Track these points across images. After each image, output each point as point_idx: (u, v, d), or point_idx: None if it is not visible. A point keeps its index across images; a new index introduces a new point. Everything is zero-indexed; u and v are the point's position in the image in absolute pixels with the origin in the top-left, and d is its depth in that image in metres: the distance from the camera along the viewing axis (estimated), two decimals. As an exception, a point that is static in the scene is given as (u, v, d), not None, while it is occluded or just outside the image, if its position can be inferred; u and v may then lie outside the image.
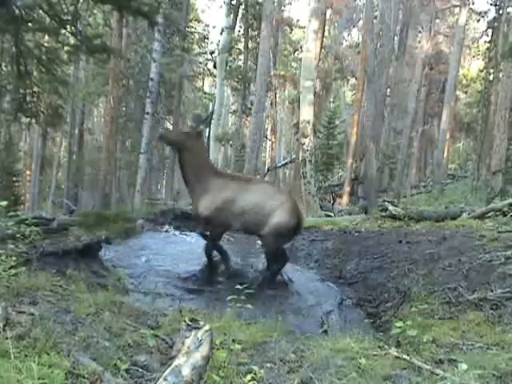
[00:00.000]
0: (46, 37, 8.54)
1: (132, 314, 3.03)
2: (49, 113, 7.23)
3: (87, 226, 6.20)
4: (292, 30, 26.26)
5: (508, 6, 16.91)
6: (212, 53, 20.72)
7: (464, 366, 2.10)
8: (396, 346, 2.71)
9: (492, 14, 19.56)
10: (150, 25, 7.21)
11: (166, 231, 7.27)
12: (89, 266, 4.22)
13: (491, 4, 18.93)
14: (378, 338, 3.13)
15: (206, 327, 2.13)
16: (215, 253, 4.85)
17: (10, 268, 3.10)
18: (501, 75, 15.39)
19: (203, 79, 27.91)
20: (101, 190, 12.94)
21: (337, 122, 21.27)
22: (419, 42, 24.22)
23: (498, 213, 6.87)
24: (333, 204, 13.25)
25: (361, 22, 23.19)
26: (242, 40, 21.24)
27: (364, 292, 4.70)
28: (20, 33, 6.18)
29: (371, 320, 4.06)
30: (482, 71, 21.13)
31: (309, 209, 9.89)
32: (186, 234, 6.69)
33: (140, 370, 2.20)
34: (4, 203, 4.23)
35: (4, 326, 2.24)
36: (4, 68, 7.46)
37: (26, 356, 1.96)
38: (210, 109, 22.55)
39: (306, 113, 10.10)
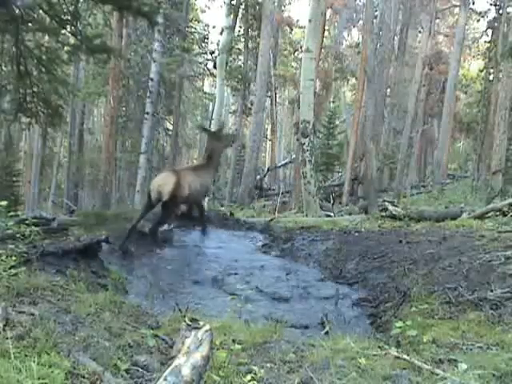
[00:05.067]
0: (46, 37, 8.52)
1: (132, 314, 3.03)
2: (49, 113, 7.20)
3: (87, 225, 6.20)
4: (292, 29, 26.28)
5: (508, 6, 16.91)
6: (212, 53, 20.70)
7: (464, 366, 2.10)
8: (396, 346, 2.70)
9: (492, 14, 19.62)
10: (150, 25, 7.18)
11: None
12: (89, 266, 4.22)
13: (491, 4, 18.99)
14: (378, 338, 3.12)
15: (206, 327, 2.13)
16: None
17: (10, 268, 3.10)
18: (501, 75, 15.37)
19: (203, 79, 27.90)
20: (101, 190, 12.96)
21: (337, 122, 21.27)
22: (419, 42, 24.21)
23: (497, 213, 6.88)
24: (333, 204, 13.23)
25: (361, 22, 23.18)
26: (242, 40, 21.25)
27: (364, 292, 4.70)
28: (20, 33, 6.17)
29: (371, 320, 4.06)
30: (481, 71, 21.14)
31: (309, 209, 9.88)
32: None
33: (140, 369, 2.19)
34: (4, 203, 4.23)
35: (4, 325, 2.24)
36: (4, 68, 7.45)
37: (26, 356, 1.95)
38: (210, 109, 22.55)
39: (306, 113, 10.07)
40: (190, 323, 2.19)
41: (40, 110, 7.06)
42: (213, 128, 16.22)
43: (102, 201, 12.50)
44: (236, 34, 20.07)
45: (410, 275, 4.38)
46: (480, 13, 21.78)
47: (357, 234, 6.78)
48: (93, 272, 4.18)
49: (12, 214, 4.77)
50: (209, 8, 31.86)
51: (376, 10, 17.04)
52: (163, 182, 5.83)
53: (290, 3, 28.56)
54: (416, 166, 24.59)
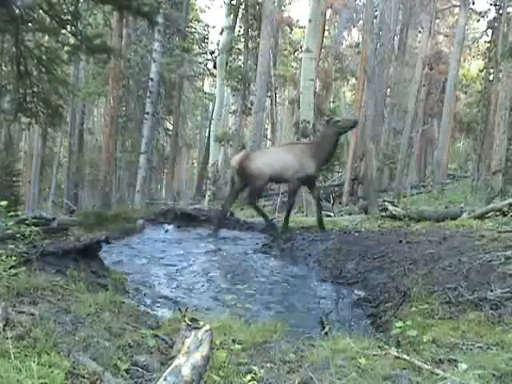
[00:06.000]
0: (46, 37, 8.53)
1: (132, 314, 3.03)
2: (49, 113, 7.21)
3: (87, 225, 6.21)
4: (292, 29, 26.27)
5: (508, 6, 16.90)
6: (212, 53, 20.72)
7: (464, 366, 2.10)
8: (396, 346, 2.70)
9: (492, 14, 19.61)
10: (150, 25, 7.20)
11: (167, 231, 7.28)
12: (89, 266, 4.21)
13: (491, 4, 18.96)
14: (378, 338, 3.12)
15: (206, 327, 2.13)
16: None
17: (10, 268, 3.10)
18: (501, 75, 15.36)
19: (203, 79, 27.93)
20: (101, 190, 12.97)
21: (337, 122, 21.22)
22: (419, 42, 24.23)
23: (498, 213, 6.87)
24: (333, 204, 13.23)
25: (361, 22, 23.18)
26: (242, 40, 21.24)
27: (364, 292, 4.69)
28: (20, 33, 6.18)
29: (371, 320, 4.05)
30: (481, 71, 21.13)
31: (309, 209, 9.88)
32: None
33: (140, 369, 2.19)
34: (4, 203, 4.23)
35: (4, 325, 2.24)
36: (4, 68, 7.45)
37: (26, 356, 1.95)
38: (210, 109, 22.54)
39: (306, 113, 10.08)
40: (190, 323, 2.19)
41: (40, 110, 7.07)
42: (213, 127, 16.30)
43: (102, 201, 12.51)
44: (236, 34, 20.05)
45: (410, 275, 4.37)
46: (480, 13, 21.77)
47: (357, 233, 6.77)
48: (93, 272, 4.17)
49: (12, 213, 4.76)
50: (209, 8, 31.95)
51: (376, 10, 17.05)
52: (236, 156, 7.61)
53: (290, 3, 28.60)
54: (416, 165, 24.59)
